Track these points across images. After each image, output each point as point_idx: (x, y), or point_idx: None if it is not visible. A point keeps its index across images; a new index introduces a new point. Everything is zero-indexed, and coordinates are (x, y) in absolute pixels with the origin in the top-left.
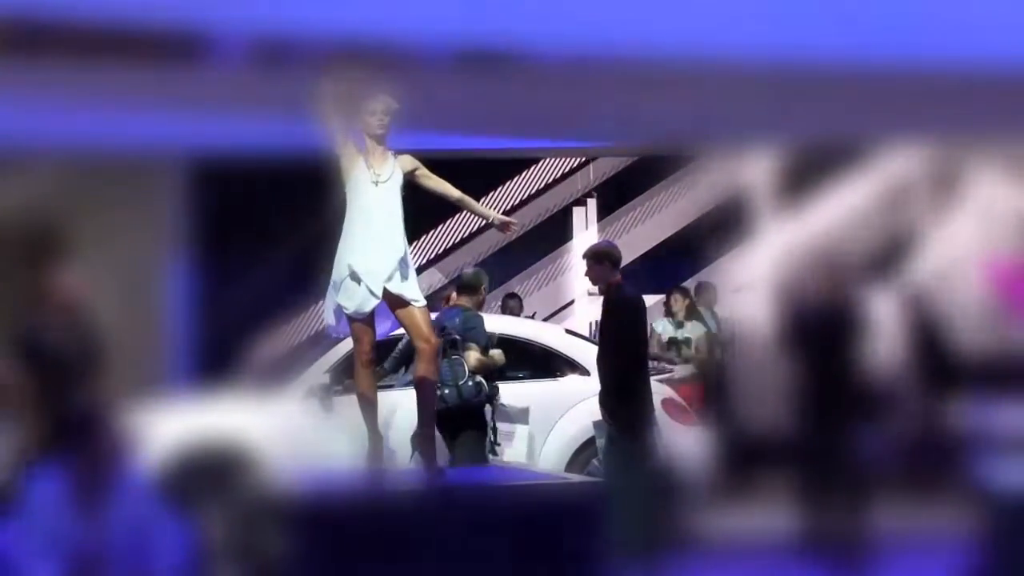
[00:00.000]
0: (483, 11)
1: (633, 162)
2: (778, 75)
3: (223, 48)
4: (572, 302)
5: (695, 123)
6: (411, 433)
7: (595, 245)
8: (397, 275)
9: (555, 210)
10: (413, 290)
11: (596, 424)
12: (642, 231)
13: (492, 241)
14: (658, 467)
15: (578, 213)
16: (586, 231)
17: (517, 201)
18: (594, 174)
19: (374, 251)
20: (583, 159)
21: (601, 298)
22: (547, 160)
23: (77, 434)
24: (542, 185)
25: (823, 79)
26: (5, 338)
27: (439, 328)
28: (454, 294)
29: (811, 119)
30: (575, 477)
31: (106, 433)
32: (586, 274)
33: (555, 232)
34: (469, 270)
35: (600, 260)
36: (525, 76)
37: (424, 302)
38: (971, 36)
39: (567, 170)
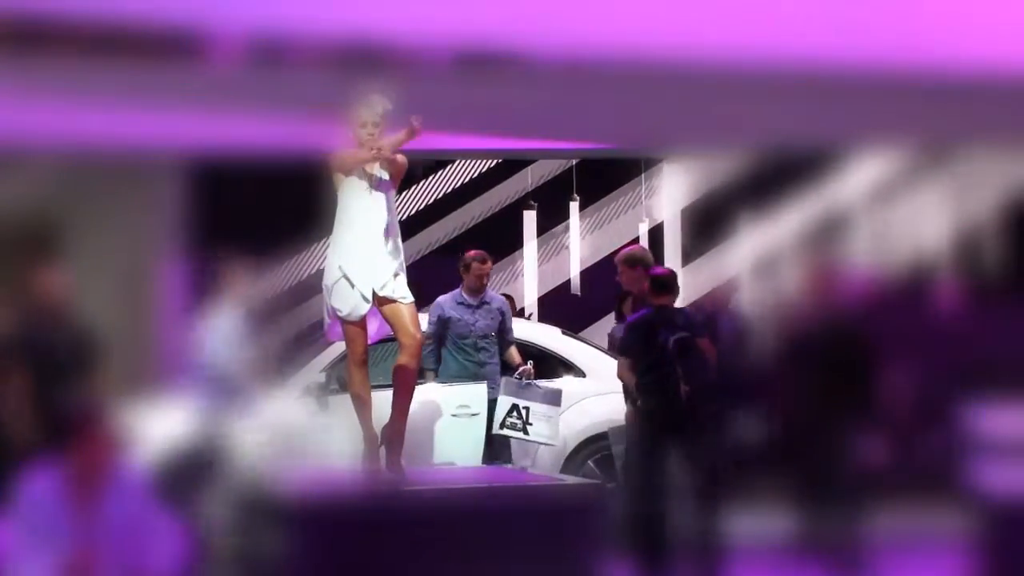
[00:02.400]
0: (481, 12)
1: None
2: (776, 77)
3: (221, 47)
4: (523, 310)
5: (693, 125)
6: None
7: (629, 250)
8: (390, 280)
9: (489, 214)
10: (402, 288)
11: (612, 430)
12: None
13: (424, 243)
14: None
15: (528, 217)
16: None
17: (431, 200)
18: (532, 177)
19: (368, 257)
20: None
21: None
22: (463, 161)
23: (72, 432)
24: (457, 185)
25: (821, 81)
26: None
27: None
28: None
29: (809, 120)
30: (571, 479)
31: (101, 432)
32: (618, 279)
33: (500, 239)
34: (662, 270)
35: (633, 265)
36: (522, 77)
37: (411, 298)
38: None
39: (482, 172)
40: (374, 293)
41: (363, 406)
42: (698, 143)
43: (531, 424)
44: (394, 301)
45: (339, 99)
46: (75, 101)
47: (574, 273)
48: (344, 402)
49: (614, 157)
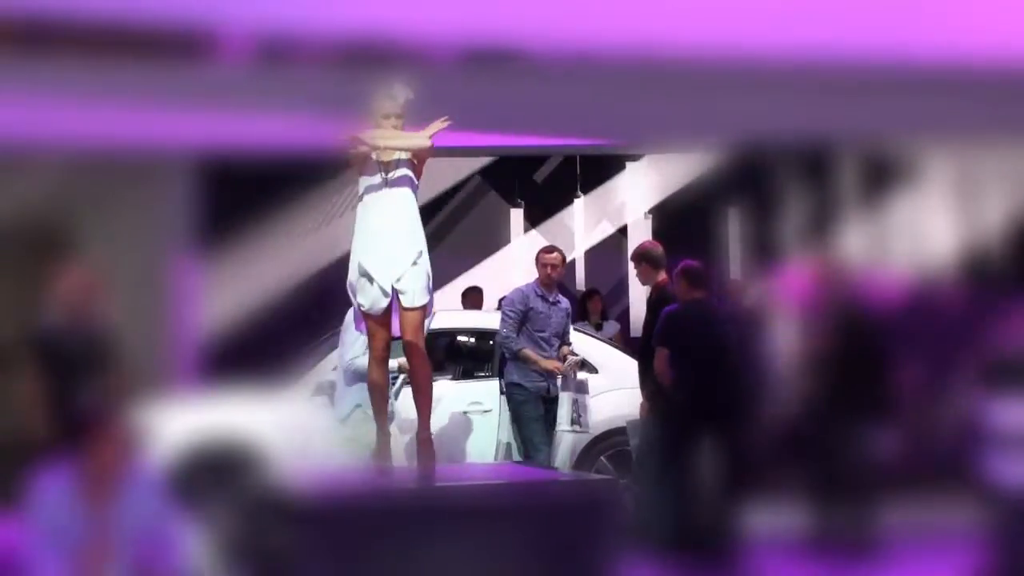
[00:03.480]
0: (489, 9)
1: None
2: (779, 74)
3: (228, 46)
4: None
5: (699, 122)
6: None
7: (639, 246)
8: (407, 274)
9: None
10: (417, 287)
11: (630, 424)
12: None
13: None
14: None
15: (515, 215)
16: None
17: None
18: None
19: (385, 250)
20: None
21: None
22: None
23: (85, 432)
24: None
25: (822, 77)
26: (13, 336)
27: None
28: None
29: (811, 117)
30: (584, 475)
31: (115, 431)
32: (636, 275)
33: (485, 236)
34: (694, 264)
35: (639, 262)
36: (530, 74)
37: (423, 302)
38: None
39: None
40: (393, 287)
41: (380, 400)
42: (704, 139)
43: (581, 416)
44: (405, 300)
45: (347, 96)
46: (85, 101)
47: (579, 268)
48: None
49: (618, 154)
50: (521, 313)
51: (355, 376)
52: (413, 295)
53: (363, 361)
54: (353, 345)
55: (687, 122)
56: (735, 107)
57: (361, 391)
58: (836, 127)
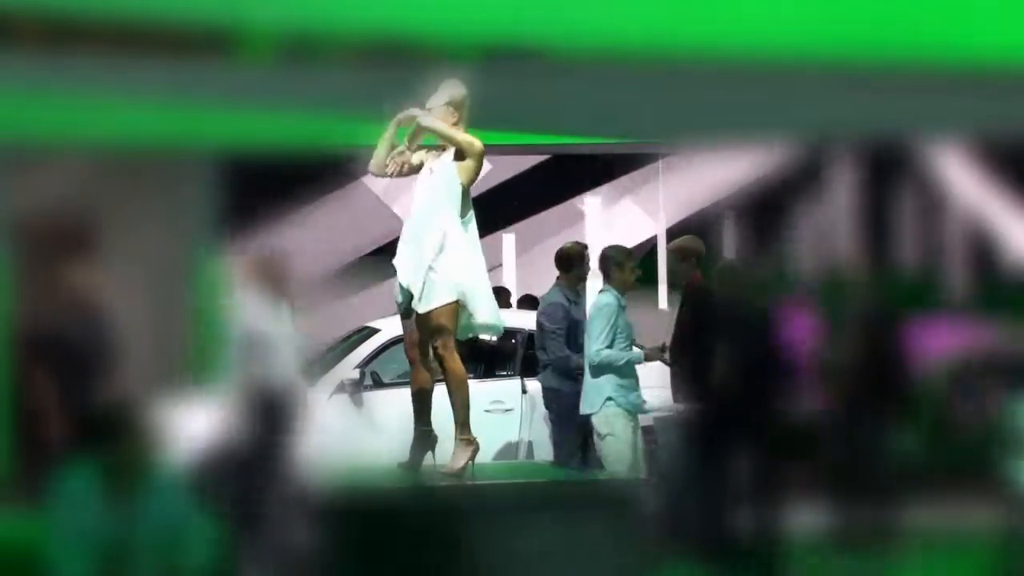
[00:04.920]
0: (509, 7)
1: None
2: (805, 71)
3: (251, 44)
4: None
5: (722, 119)
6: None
7: (680, 241)
8: (418, 277)
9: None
10: (424, 292)
11: (658, 421)
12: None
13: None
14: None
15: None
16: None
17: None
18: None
19: (402, 249)
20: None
21: None
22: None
23: (107, 430)
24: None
25: (843, 75)
26: (31, 334)
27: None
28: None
29: (828, 115)
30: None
31: (137, 428)
32: (668, 268)
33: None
34: (735, 261)
35: (687, 257)
36: (551, 72)
37: (426, 309)
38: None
39: None
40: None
41: (417, 402)
42: (723, 136)
43: None
44: (414, 303)
45: (368, 96)
46: (103, 96)
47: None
48: (378, 399)
49: (640, 152)
50: (566, 329)
51: (602, 368)
52: (423, 299)
53: (609, 353)
54: (599, 336)
55: (715, 120)
56: (760, 103)
57: (610, 383)
58: (850, 123)
